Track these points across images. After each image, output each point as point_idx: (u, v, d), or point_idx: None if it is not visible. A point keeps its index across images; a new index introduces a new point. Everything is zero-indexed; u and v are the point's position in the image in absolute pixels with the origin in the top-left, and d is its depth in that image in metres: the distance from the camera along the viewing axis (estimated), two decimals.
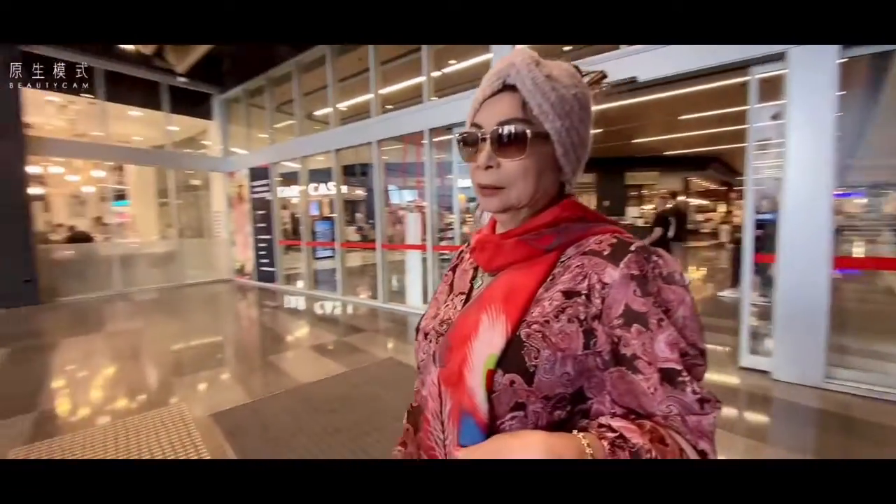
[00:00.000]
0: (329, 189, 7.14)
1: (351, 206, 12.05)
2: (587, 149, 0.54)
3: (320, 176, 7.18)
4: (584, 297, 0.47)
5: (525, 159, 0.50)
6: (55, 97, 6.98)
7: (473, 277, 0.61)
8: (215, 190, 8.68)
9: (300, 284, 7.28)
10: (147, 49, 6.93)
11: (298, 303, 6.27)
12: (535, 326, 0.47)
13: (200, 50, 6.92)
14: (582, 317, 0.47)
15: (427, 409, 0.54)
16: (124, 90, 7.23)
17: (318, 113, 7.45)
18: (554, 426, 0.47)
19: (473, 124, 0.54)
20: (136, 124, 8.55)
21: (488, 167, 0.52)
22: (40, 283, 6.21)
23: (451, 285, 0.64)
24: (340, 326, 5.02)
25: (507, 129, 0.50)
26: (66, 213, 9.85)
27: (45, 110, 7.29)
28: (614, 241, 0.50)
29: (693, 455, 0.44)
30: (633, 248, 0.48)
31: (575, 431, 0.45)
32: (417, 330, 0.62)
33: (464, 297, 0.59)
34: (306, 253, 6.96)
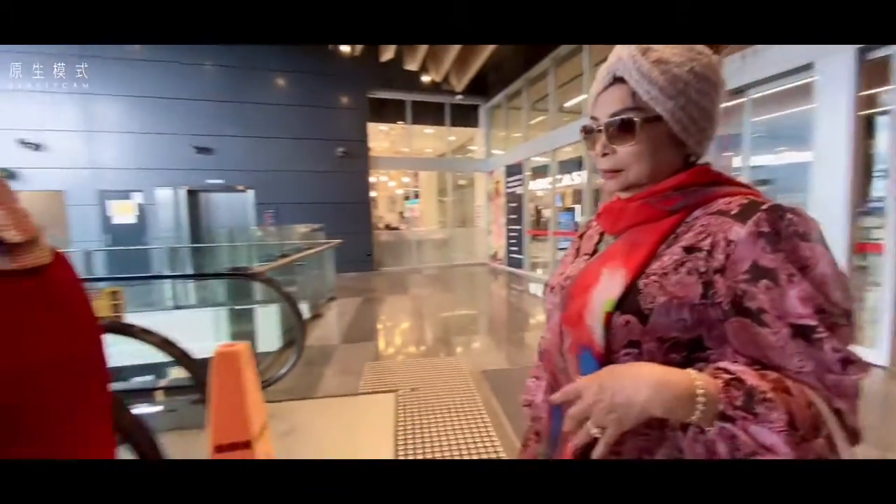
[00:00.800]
0: (573, 179, 7.17)
1: (595, 195, 11.61)
2: (713, 117, 0.55)
3: (569, 167, 7.29)
4: (705, 252, 0.49)
5: (636, 144, 0.54)
6: (384, 126, 9.88)
7: (599, 241, 0.64)
8: (478, 187, 10.22)
9: (539, 272, 7.64)
10: (437, 76, 8.77)
11: (540, 289, 6.62)
12: (652, 278, 0.50)
13: (474, 69, 8.21)
14: (702, 269, 0.48)
15: (550, 345, 0.62)
16: (421, 113, 9.46)
17: (569, 104, 7.51)
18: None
19: (592, 117, 0.58)
20: (428, 139, 11.03)
21: (605, 154, 0.57)
22: (374, 257, 9.01)
23: (578, 250, 0.68)
24: None
25: (616, 120, 0.54)
26: (383, 210, 13.87)
27: (377, 136, 10.44)
28: (745, 201, 0.50)
29: (826, 412, 0.43)
30: (764, 206, 0.47)
31: (689, 370, 0.45)
32: (546, 286, 0.68)
33: (588, 257, 0.63)
34: (552, 242, 7.23)
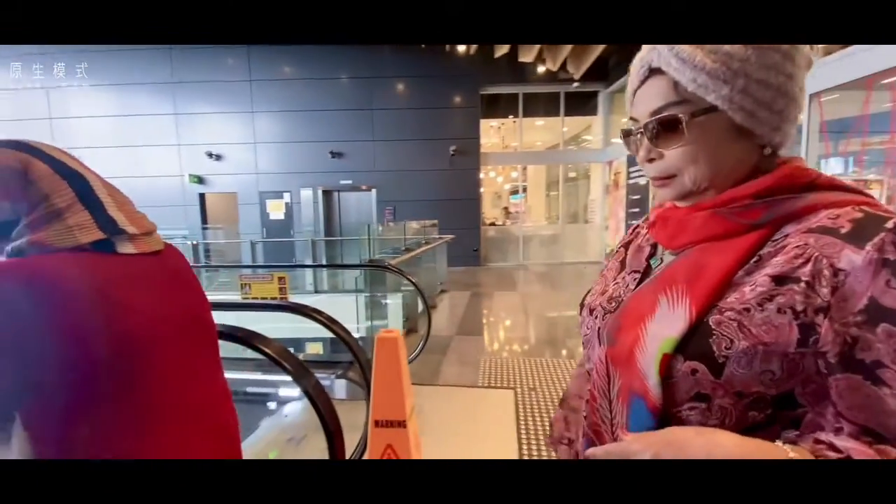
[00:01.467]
0: None
1: None
2: (790, 94, 0.43)
3: None
4: (804, 284, 0.38)
5: (688, 144, 0.45)
6: (494, 122, 9.88)
7: (651, 255, 0.54)
8: (593, 179, 9.55)
9: None
10: (553, 66, 8.42)
11: None
12: (729, 314, 0.40)
13: (594, 54, 7.67)
14: (799, 308, 0.38)
15: (594, 387, 0.51)
16: (533, 106, 9.20)
17: None
18: (746, 431, 0.39)
19: (631, 118, 0.50)
20: (538, 132, 10.69)
21: (651, 160, 0.48)
22: (480, 252, 9.14)
23: (623, 262, 0.58)
24: None
25: (658, 119, 0.45)
26: (488, 206, 13.93)
27: (487, 132, 10.49)
28: (859, 215, 0.39)
29: None
30: (889, 224, 0.36)
31: (779, 442, 0.37)
32: (582, 306, 0.58)
33: (638, 275, 0.53)
34: None
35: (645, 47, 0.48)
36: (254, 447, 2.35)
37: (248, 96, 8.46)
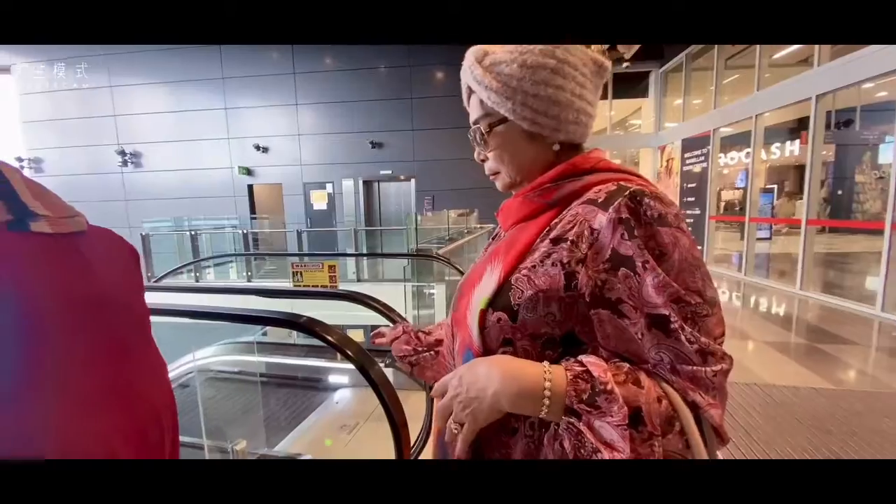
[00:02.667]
0: (785, 151, 5.59)
1: (796, 171, 8.97)
2: (563, 102, 0.53)
3: (776, 136, 5.75)
4: (569, 242, 0.48)
5: (495, 149, 0.57)
6: None
7: (494, 238, 0.65)
8: (643, 165, 9.01)
9: (724, 268, 6.30)
10: (601, 44, 7.96)
11: (732, 287, 5.45)
12: (524, 271, 0.50)
13: None
14: (565, 261, 0.48)
15: (444, 348, 0.67)
16: None
17: (781, 54, 5.88)
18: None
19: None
20: None
21: (483, 160, 0.61)
22: None
23: (486, 249, 0.65)
24: (807, 328, 3.90)
25: (471, 132, 0.59)
26: None
27: None
28: (613, 187, 0.49)
29: (681, 406, 0.43)
30: (627, 192, 0.47)
31: (545, 363, 0.46)
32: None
33: (483, 254, 0.63)
34: (747, 230, 5.88)
35: (463, 67, 0.56)
36: (307, 434, 2.39)
37: (293, 89, 8.64)
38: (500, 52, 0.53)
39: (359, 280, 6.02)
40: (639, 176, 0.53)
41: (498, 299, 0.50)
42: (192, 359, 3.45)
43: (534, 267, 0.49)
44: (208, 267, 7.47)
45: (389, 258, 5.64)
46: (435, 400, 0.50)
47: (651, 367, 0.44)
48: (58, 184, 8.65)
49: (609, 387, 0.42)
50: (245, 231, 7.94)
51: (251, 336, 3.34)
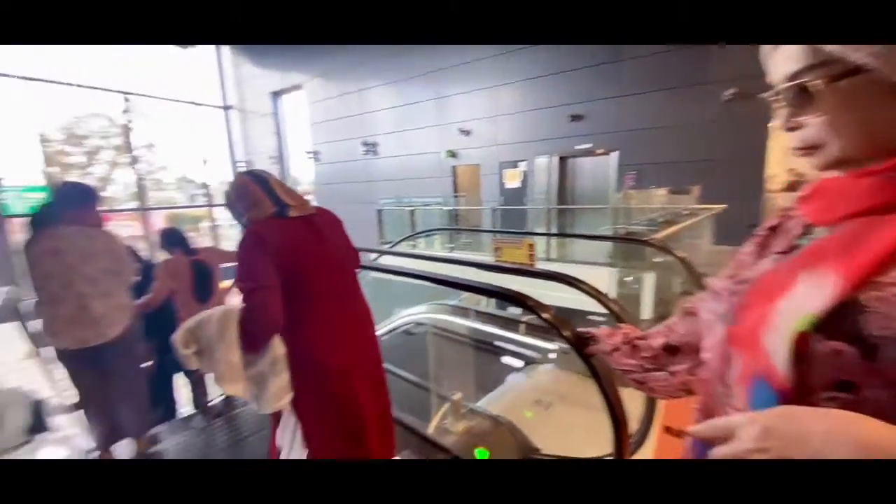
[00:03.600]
0: None
1: None
2: None
3: None
4: None
5: (829, 113, 0.39)
6: None
7: (801, 236, 0.47)
8: None
9: None
10: None
11: None
12: (891, 290, 0.35)
13: None
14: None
15: (709, 371, 0.48)
16: None
17: None
18: None
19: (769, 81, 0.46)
20: None
21: (790, 129, 0.44)
22: None
23: (762, 244, 0.52)
24: None
25: (791, 88, 0.42)
26: (775, 166, 10.37)
27: None
28: None
29: None
30: None
31: None
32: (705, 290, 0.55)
33: (780, 257, 0.47)
34: None
35: None
36: (502, 399, 2.57)
37: (492, 71, 8.98)
38: None
39: (548, 259, 5.96)
40: None
41: (835, 322, 0.36)
42: (411, 313, 4.18)
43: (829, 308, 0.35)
44: (420, 237, 8.92)
45: (595, 240, 5.33)
46: (707, 441, 0.37)
47: None
48: (330, 170, 11.72)
49: None
50: (448, 208, 9.00)
51: (453, 300, 3.75)
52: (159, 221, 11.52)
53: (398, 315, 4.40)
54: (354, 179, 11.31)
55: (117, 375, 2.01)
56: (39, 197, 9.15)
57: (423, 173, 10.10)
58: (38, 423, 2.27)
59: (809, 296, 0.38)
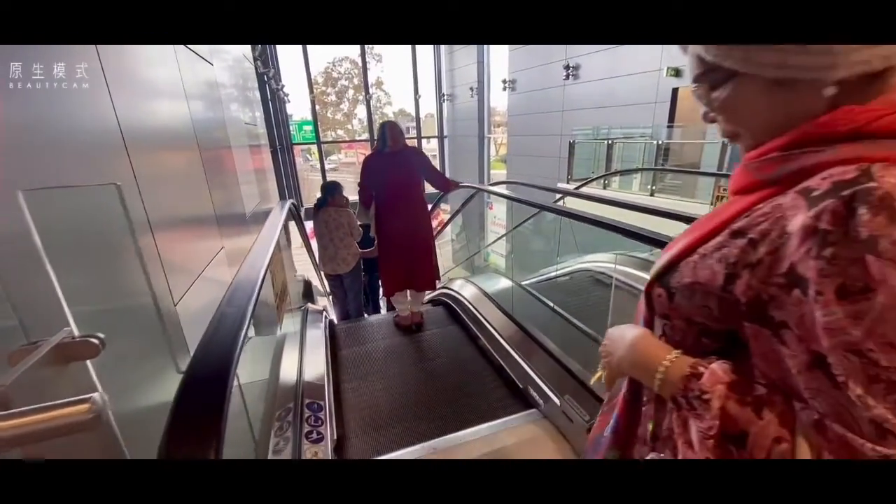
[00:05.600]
0: None
1: None
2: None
3: None
4: (748, 240, 0.41)
5: (725, 112, 0.48)
6: None
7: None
8: None
9: None
10: None
11: None
12: (695, 257, 0.48)
13: None
14: (732, 260, 0.43)
15: None
16: None
17: None
18: (702, 354, 0.48)
19: None
20: None
21: (709, 121, 0.52)
22: None
23: None
24: None
25: (696, 89, 0.50)
26: None
27: None
28: (849, 176, 0.35)
29: (805, 457, 0.37)
30: (847, 192, 0.34)
31: (678, 351, 0.49)
32: None
33: None
34: None
35: None
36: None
37: None
38: None
39: None
40: None
41: (665, 276, 0.51)
42: (595, 260, 3.93)
43: (704, 256, 0.46)
44: (614, 175, 7.89)
45: None
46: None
47: (798, 406, 0.39)
48: (524, 100, 11.37)
49: (707, 397, 0.42)
50: (660, 142, 7.56)
51: (644, 253, 3.30)
52: None
53: (582, 258, 4.21)
54: (548, 109, 10.66)
55: (349, 287, 3.99)
56: (309, 129, 12.22)
57: (628, 99, 8.61)
58: (308, 295, 3.50)
59: (665, 255, 0.52)
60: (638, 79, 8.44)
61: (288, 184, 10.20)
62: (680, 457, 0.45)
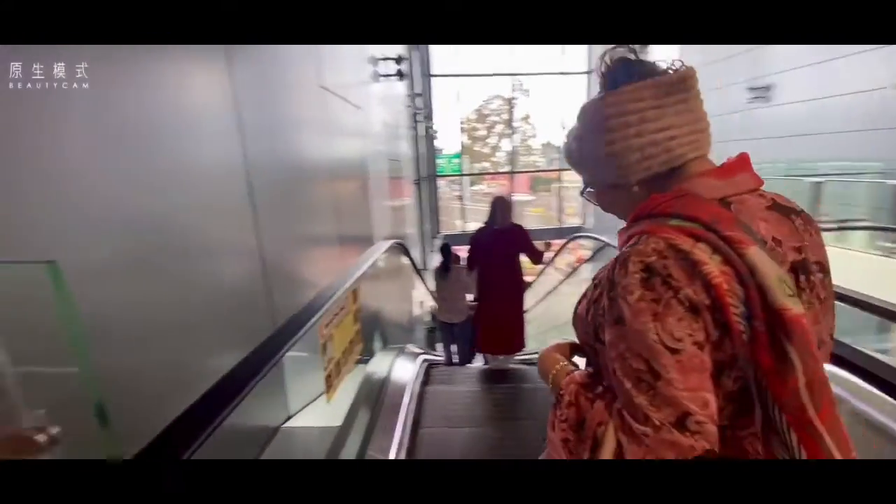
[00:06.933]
0: None
1: None
2: (621, 151, 0.58)
3: None
4: (595, 283, 0.61)
5: (605, 205, 0.70)
6: None
7: None
8: None
9: None
10: None
11: None
12: (584, 297, 0.65)
13: None
14: (589, 297, 0.62)
15: None
16: None
17: None
18: (594, 364, 0.65)
19: None
20: None
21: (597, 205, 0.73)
22: None
23: None
24: None
25: (585, 193, 0.72)
26: None
27: None
28: (634, 240, 0.55)
29: (609, 439, 0.52)
30: (626, 252, 0.53)
31: (573, 359, 0.72)
32: None
33: None
34: None
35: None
36: None
37: None
38: (571, 127, 0.67)
39: None
40: (688, 227, 0.52)
41: (578, 308, 0.67)
42: None
43: (585, 295, 0.64)
44: (832, 225, 5.40)
45: None
46: None
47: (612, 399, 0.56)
48: None
49: (562, 393, 0.62)
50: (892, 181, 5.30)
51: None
52: (523, 182, 13.86)
53: None
54: (725, 138, 8.85)
55: (457, 335, 4.31)
56: (457, 162, 13.14)
57: (839, 125, 6.40)
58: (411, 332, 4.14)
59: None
60: (849, 100, 6.24)
61: (430, 209, 11.18)
62: (547, 438, 0.62)
